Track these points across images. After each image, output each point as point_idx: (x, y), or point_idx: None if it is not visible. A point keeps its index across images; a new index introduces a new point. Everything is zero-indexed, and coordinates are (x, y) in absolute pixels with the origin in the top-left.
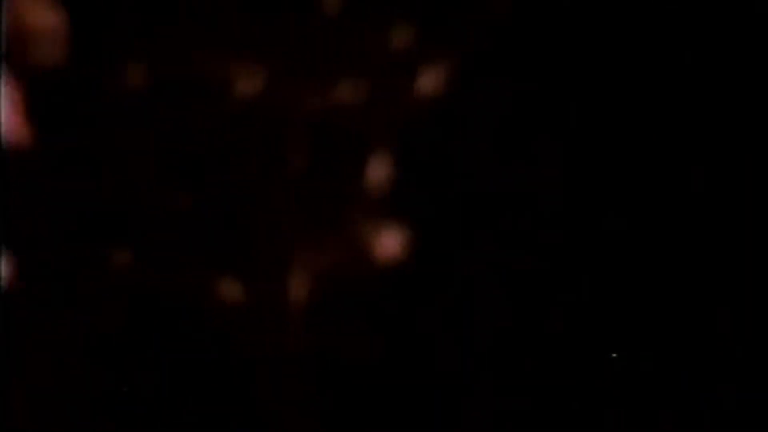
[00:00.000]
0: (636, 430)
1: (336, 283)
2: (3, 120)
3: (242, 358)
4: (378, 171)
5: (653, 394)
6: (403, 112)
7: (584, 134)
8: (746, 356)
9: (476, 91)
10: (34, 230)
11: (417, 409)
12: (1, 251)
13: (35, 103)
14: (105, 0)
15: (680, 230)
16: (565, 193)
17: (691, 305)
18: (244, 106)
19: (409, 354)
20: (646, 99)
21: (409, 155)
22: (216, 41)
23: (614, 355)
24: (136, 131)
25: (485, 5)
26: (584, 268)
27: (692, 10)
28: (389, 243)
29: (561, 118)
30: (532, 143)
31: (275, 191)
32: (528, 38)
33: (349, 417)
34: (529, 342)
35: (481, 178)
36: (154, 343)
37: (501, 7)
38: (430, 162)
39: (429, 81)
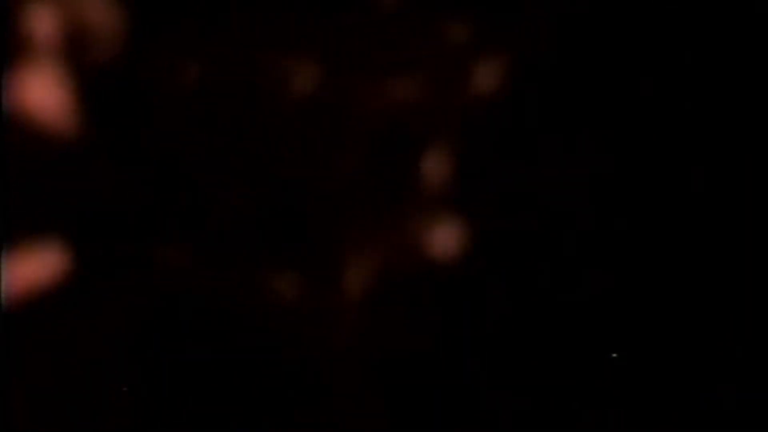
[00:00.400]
0: (636, 430)
1: (391, 279)
2: (54, 112)
3: (296, 355)
4: (435, 168)
5: (653, 394)
6: (461, 108)
7: (635, 131)
8: (746, 356)
9: (533, 88)
10: (89, 224)
11: (471, 404)
12: (2, 256)
13: (91, 97)
14: None
15: (680, 230)
16: (598, 191)
17: (691, 305)
18: (301, 103)
19: (463, 350)
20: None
21: (467, 152)
22: (273, 38)
23: (614, 355)
24: (191, 127)
25: (544, 7)
26: (584, 268)
27: (694, 10)
28: (445, 240)
29: (613, 114)
30: (587, 141)
31: (331, 188)
32: (583, 35)
33: (405, 413)
34: (532, 341)
35: (537, 175)
36: (206, 341)
37: (556, 3)
38: (487, 159)
39: (486, 77)
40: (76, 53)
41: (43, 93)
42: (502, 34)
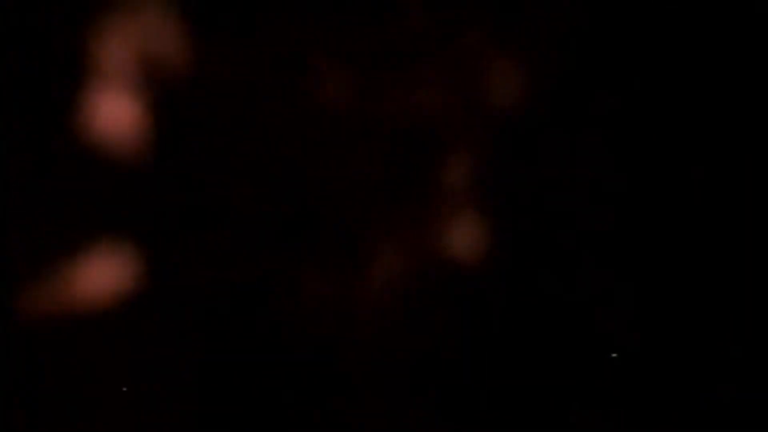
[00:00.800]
0: (636, 430)
1: (412, 277)
2: (125, 128)
3: (319, 350)
4: (455, 170)
5: (653, 394)
6: (480, 113)
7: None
8: (746, 356)
9: (547, 93)
10: (156, 228)
11: (479, 399)
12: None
13: (159, 113)
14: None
15: (681, 231)
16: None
17: (692, 305)
18: (331, 109)
19: (475, 347)
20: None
21: (486, 155)
22: (307, 48)
23: (614, 355)
24: (232, 132)
25: (556, 14)
26: (589, 267)
27: (696, 15)
28: (464, 239)
29: (621, 119)
30: (599, 144)
31: (357, 189)
32: (598, 42)
33: (424, 407)
34: (535, 340)
35: (553, 177)
36: (235, 333)
37: (572, 14)
38: (505, 162)
39: (503, 84)
40: (146, 76)
41: (116, 111)
42: (518, 43)
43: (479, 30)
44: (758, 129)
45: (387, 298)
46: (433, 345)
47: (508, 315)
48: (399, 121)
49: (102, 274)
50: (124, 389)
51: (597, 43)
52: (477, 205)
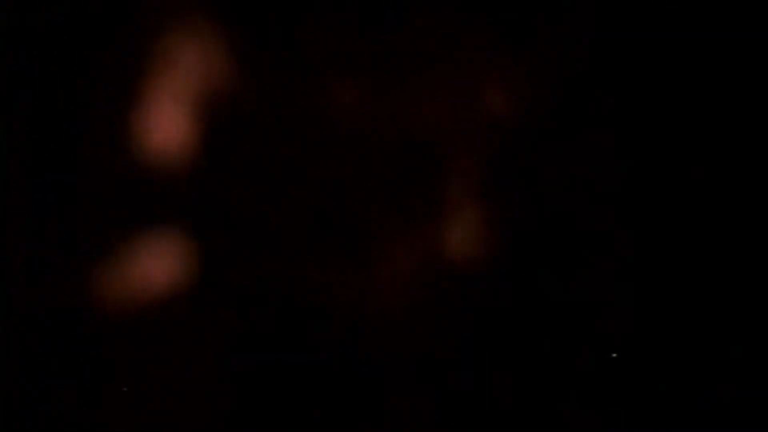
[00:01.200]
0: (636, 430)
1: (415, 278)
2: (176, 140)
3: (320, 350)
4: (457, 171)
5: (653, 394)
6: (482, 115)
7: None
8: (746, 356)
9: (550, 95)
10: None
11: (480, 399)
12: None
13: (206, 126)
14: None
15: (681, 231)
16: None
17: (691, 306)
18: (341, 119)
19: (484, 348)
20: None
21: (488, 156)
22: (319, 62)
23: (614, 355)
24: (249, 140)
25: (557, 16)
26: (589, 268)
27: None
28: (467, 240)
29: (629, 118)
30: (599, 146)
31: (361, 191)
32: (598, 43)
33: (424, 407)
34: (534, 340)
35: (553, 177)
36: (238, 334)
37: (572, 16)
38: (507, 162)
39: (505, 86)
40: (199, 95)
41: (169, 128)
42: (519, 45)
43: (481, 33)
44: (758, 129)
45: (390, 298)
46: (434, 345)
47: (508, 315)
48: (402, 123)
49: (152, 269)
50: (124, 389)
51: (598, 44)
52: (478, 205)
